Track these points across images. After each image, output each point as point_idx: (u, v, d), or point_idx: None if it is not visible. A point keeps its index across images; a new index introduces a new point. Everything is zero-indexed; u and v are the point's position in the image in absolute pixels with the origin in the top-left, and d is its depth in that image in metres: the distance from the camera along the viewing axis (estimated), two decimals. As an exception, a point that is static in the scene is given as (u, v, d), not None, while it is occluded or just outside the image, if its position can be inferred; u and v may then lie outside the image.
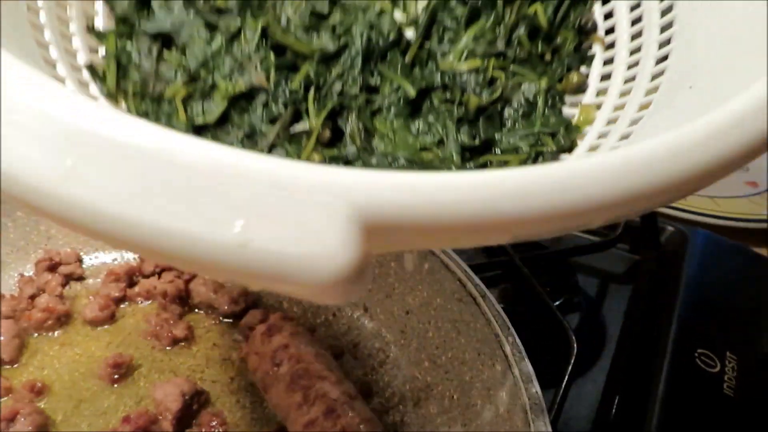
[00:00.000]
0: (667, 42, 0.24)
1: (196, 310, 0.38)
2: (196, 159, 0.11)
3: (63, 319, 0.36)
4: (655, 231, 0.52)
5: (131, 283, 0.38)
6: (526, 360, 0.27)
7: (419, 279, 0.34)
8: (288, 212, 0.11)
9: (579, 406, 0.39)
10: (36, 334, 0.36)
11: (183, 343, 0.35)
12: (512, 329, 0.28)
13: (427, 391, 0.32)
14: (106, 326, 0.36)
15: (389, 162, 0.23)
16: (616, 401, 0.39)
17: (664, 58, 0.23)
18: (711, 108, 0.16)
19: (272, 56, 0.24)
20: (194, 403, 0.31)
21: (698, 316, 0.44)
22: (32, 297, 0.37)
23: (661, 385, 0.39)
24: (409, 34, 0.26)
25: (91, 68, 0.23)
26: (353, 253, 0.11)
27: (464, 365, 0.30)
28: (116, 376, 0.33)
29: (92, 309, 0.36)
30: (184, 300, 0.37)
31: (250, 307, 0.37)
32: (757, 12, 0.19)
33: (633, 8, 0.26)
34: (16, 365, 0.34)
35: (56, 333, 0.36)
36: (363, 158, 0.23)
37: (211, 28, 0.25)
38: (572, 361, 0.36)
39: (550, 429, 0.25)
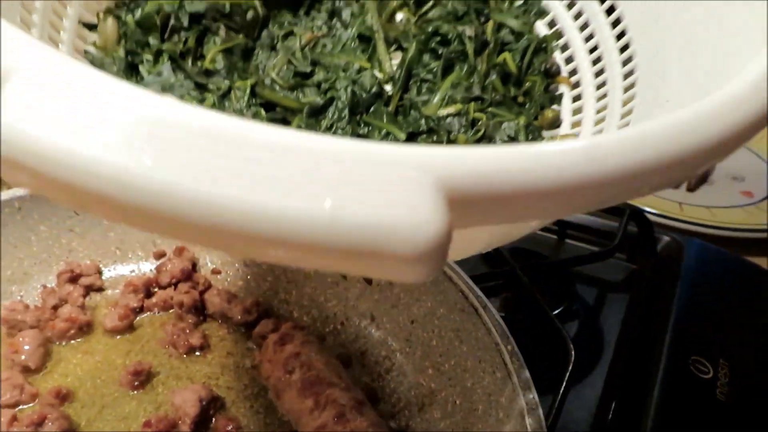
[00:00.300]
0: (631, 72, 0.25)
1: (211, 320, 0.39)
2: (288, 141, 0.11)
3: (84, 329, 0.38)
4: (652, 241, 0.53)
5: (149, 294, 0.40)
6: (524, 368, 0.29)
7: (424, 290, 0.36)
8: (377, 185, 0.11)
9: (578, 410, 0.41)
10: (59, 343, 0.37)
11: (199, 352, 0.37)
12: (511, 338, 0.30)
13: (431, 396, 0.33)
14: (125, 335, 0.38)
15: None
16: (613, 406, 0.40)
17: (632, 85, 0.25)
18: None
19: (263, 112, 0.26)
20: (210, 409, 0.33)
21: (692, 323, 0.46)
22: (55, 307, 0.39)
23: (656, 390, 0.41)
24: (389, 88, 0.28)
25: None
26: (441, 222, 0.11)
27: (466, 372, 0.32)
28: (136, 383, 0.35)
29: (112, 318, 0.38)
30: (199, 310, 0.39)
31: (262, 316, 0.39)
32: (710, 28, 0.21)
33: (592, 50, 0.28)
34: (41, 373, 0.36)
35: (78, 342, 0.38)
36: None
37: (202, 88, 0.26)
38: (570, 367, 0.38)
39: (543, 424, 0.26)
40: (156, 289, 0.41)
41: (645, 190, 0.13)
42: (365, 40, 0.29)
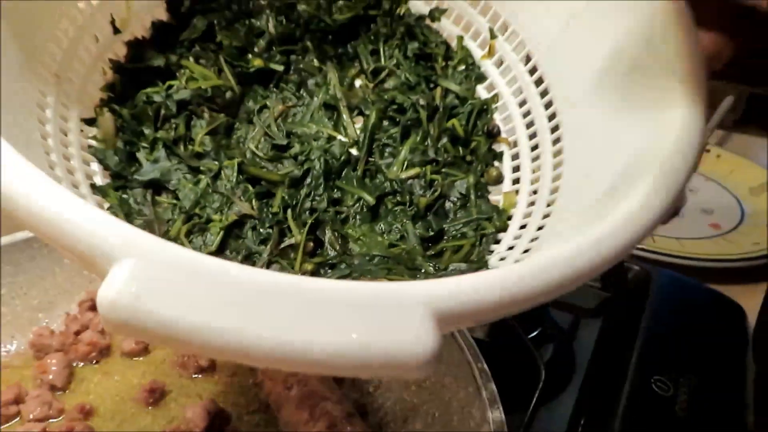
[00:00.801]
0: (559, 139, 0.30)
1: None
2: (319, 290, 0.15)
3: (104, 352, 0.42)
4: (623, 270, 0.58)
5: (161, 320, 0.45)
6: (491, 382, 0.33)
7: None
8: (386, 319, 0.15)
9: (551, 425, 0.45)
10: (82, 365, 0.42)
11: (206, 372, 0.41)
12: (481, 357, 0.34)
13: (413, 410, 0.37)
14: (140, 358, 0.42)
15: (368, 260, 0.28)
16: (583, 422, 0.44)
17: (560, 151, 0.29)
18: (598, 201, 0.22)
19: (251, 187, 0.29)
20: (218, 422, 0.37)
21: (656, 346, 0.50)
22: (77, 333, 0.43)
23: (621, 407, 0.45)
24: (355, 151, 0.32)
25: None
26: (435, 340, 0.15)
27: (444, 388, 0.36)
28: (151, 400, 0.39)
29: (129, 343, 0.43)
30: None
31: (263, 340, 0.43)
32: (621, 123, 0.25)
33: (525, 115, 0.32)
34: (66, 391, 0.40)
35: (99, 363, 0.42)
36: (345, 260, 0.28)
37: (195, 171, 0.30)
38: (540, 385, 0.42)
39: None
40: (168, 316, 0.45)
41: (557, 295, 0.18)
42: (330, 108, 0.33)
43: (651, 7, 0.24)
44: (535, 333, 0.50)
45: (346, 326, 0.15)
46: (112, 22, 0.31)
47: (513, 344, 0.46)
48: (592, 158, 0.27)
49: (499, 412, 0.31)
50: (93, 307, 0.45)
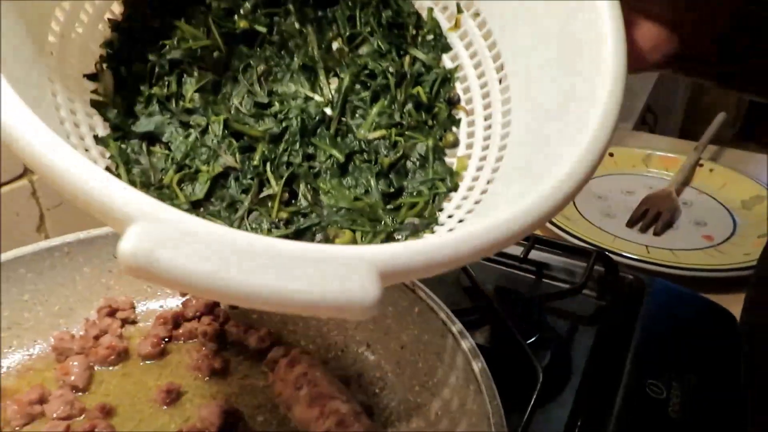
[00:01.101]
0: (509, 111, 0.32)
1: (230, 347, 0.46)
2: (296, 250, 0.19)
3: (122, 355, 0.44)
4: (617, 280, 0.60)
5: (176, 326, 0.47)
6: (491, 381, 0.35)
7: (411, 320, 0.42)
8: (341, 272, 0.18)
9: (549, 426, 0.47)
10: (101, 367, 0.44)
11: (220, 374, 0.43)
12: (481, 357, 0.37)
13: (417, 409, 0.39)
14: (157, 361, 0.44)
15: (335, 211, 0.31)
16: (579, 423, 0.46)
17: (508, 123, 0.32)
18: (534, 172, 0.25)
19: (234, 142, 0.32)
20: (232, 421, 0.39)
21: (650, 351, 0.52)
22: (96, 337, 0.45)
23: (616, 409, 0.47)
24: (329, 110, 0.34)
25: (108, 170, 0.30)
26: (377, 291, 0.18)
27: (446, 387, 0.38)
28: (168, 401, 0.41)
29: (145, 346, 0.45)
30: (220, 339, 0.45)
31: (274, 344, 0.45)
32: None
33: (482, 86, 0.34)
34: (87, 392, 0.42)
35: (117, 366, 0.44)
36: (315, 211, 0.31)
37: (185, 125, 0.32)
38: (538, 387, 0.44)
39: (505, 428, 0.33)
40: (182, 322, 0.47)
41: (482, 256, 0.21)
42: (308, 69, 0.35)
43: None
44: (532, 339, 0.52)
45: (311, 276, 0.18)
46: None
47: (511, 349, 0.48)
48: (530, 133, 0.30)
49: (498, 409, 0.33)
50: (111, 313, 0.47)
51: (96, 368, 0.44)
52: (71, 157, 0.20)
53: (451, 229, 0.30)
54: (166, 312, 0.47)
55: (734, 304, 0.58)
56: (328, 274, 0.18)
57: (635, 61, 0.28)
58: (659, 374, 0.50)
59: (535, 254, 0.62)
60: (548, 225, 0.71)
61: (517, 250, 0.62)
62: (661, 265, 0.65)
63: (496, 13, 0.34)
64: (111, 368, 0.44)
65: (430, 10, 0.37)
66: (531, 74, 0.31)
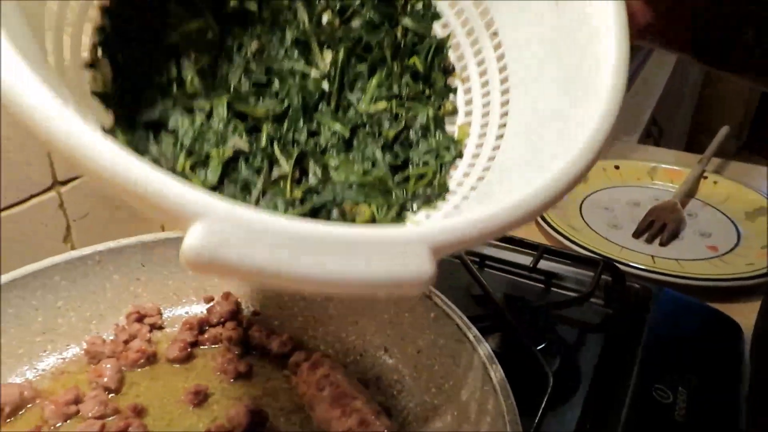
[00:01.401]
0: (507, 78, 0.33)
1: (254, 352, 0.48)
2: (355, 235, 0.20)
3: (151, 359, 0.46)
4: (624, 288, 0.62)
5: (202, 331, 0.49)
6: (506, 381, 0.37)
7: (427, 325, 0.44)
8: (398, 252, 0.20)
9: (559, 429, 0.48)
10: (131, 370, 0.46)
11: (244, 377, 0.45)
12: (495, 359, 0.38)
13: (434, 411, 0.41)
14: (184, 364, 0.47)
15: (347, 186, 0.31)
16: (588, 426, 0.48)
17: (507, 90, 0.32)
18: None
19: (240, 124, 0.31)
20: (257, 420, 0.41)
21: (657, 358, 0.54)
22: (126, 341, 0.47)
23: (624, 412, 0.48)
24: (327, 85, 0.34)
25: None
26: (432, 268, 0.20)
27: (462, 389, 0.40)
28: (196, 402, 0.43)
29: (173, 350, 0.47)
30: (244, 343, 0.48)
31: (295, 349, 0.47)
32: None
33: (476, 54, 0.35)
34: (119, 394, 0.44)
35: (146, 369, 0.46)
36: (327, 187, 0.31)
37: (189, 111, 0.31)
38: (548, 390, 0.46)
39: (520, 428, 0.34)
40: (207, 327, 0.49)
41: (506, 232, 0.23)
42: (301, 43, 0.35)
43: None
44: (541, 345, 0.54)
45: (372, 259, 0.19)
46: None
47: (521, 355, 0.50)
48: (533, 97, 0.30)
49: (513, 408, 0.35)
50: (139, 319, 0.49)
51: (126, 371, 0.46)
52: (126, 159, 0.20)
53: (465, 197, 0.31)
54: (192, 318, 0.49)
55: (738, 312, 0.60)
56: (388, 256, 0.19)
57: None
58: (666, 379, 0.51)
59: (543, 264, 0.64)
60: (556, 235, 0.73)
61: (526, 260, 0.64)
62: (666, 274, 0.67)
63: None
64: (140, 371, 0.46)
65: None
66: (527, 40, 0.32)
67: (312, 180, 0.31)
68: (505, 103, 0.33)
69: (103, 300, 0.50)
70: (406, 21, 0.36)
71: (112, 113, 0.31)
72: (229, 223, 0.19)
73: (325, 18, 0.36)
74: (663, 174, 0.90)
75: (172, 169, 0.30)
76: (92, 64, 0.31)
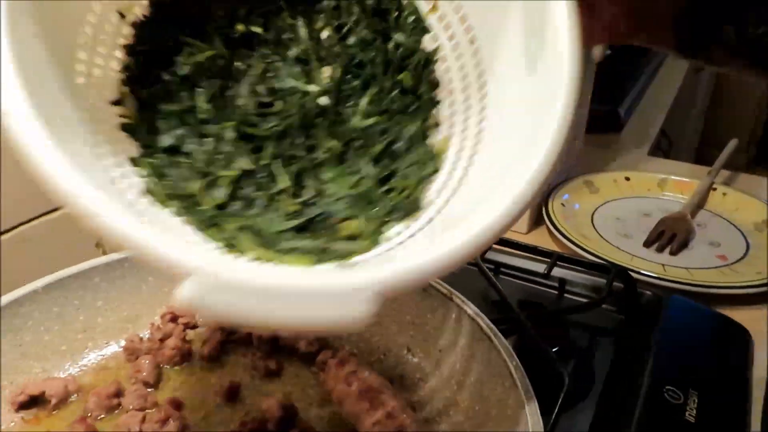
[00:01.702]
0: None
1: (282, 351, 0.50)
2: (312, 285, 0.24)
3: (186, 356, 0.49)
4: (636, 295, 0.64)
5: (233, 331, 0.51)
6: (525, 377, 0.39)
7: (448, 326, 0.47)
8: (343, 297, 0.23)
9: (574, 429, 0.50)
10: (167, 366, 0.48)
11: (274, 374, 0.48)
12: (515, 356, 0.41)
13: (456, 406, 0.43)
14: (217, 361, 0.49)
15: (337, 200, 0.34)
16: (601, 427, 0.50)
17: (485, 107, 0.34)
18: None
19: (246, 144, 0.34)
20: (288, 413, 0.43)
21: (668, 361, 0.56)
22: (162, 340, 0.50)
23: (636, 413, 0.50)
24: (325, 99, 0.37)
25: (150, 192, 0.32)
26: (375, 310, 0.23)
27: (483, 385, 0.42)
28: (229, 396, 0.45)
29: (206, 348, 0.49)
30: (273, 343, 0.50)
31: (321, 348, 0.50)
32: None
33: (461, 69, 0.36)
34: (156, 389, 0.47)
35: (181, 366, 0.49)
36: (320, 200, 0.34)
37: (202, 135, 0.34)
38: (564, 389, 0.48)
39: (542, 423, 0.37)
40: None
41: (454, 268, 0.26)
42: (302, 61, 0.38)
43: None
44: (555, 349, 0.56)
45: (325, 306, 0.23)
46: (118, 11, 0.34)
47: (537, 358, 0.52)
48: (507, 113, 0.32)
49: (533, 400, 0.37)
50: (173, 319, 0.52)
51: (164, 368, 0.48)
52: (134, 226, 0.23)
53: (437, 212, 0.33)
54: (224, 318, 0.52)
55: (747, 319, 0.61)
56: (337, 303, 0.24)
57: (590, 37, 0.30)
58: (676, 381, 0.53)
59: (557, 271, 0.66)
60: (569, 244, 0.75)
61: (540, 267, 0.67)
62: (677, 282, 0.68)
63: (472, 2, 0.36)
64: (176, 368, 0.49)
65: None
66: (504, 61, 0.34)
67: (307, 194, 0.34)
68: (481, 121, 0.34)
69: (139, 300, 0.52)
70: (398, 36, 0.39)
71: (139, 143, 0.34)
72: (212, 282, 0.23)
73: (324, 35, 0.39)
74: (673, 185, 0.92)
75: (190, 193, 0.33)
76: (119, 102, 0.34)
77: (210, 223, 0.31)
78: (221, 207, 0.33)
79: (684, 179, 0.92)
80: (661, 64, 1.50)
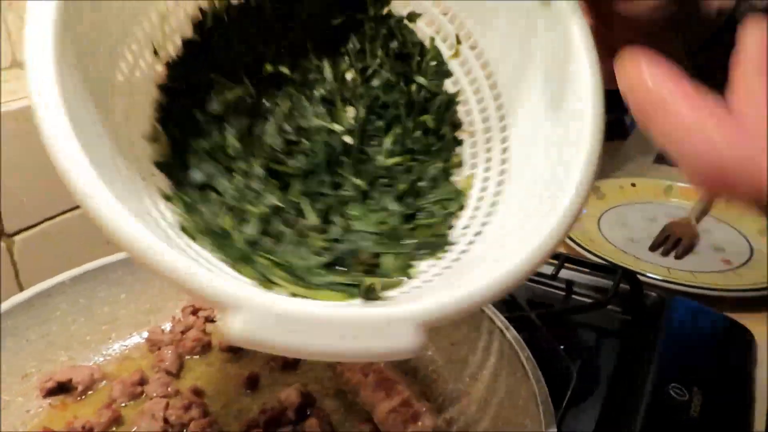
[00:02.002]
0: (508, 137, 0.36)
1: (299, 343, 0.52)
2: (359, 317, 0.24)
3: (206, 347, 0.51)
4: (641, 296, 0.66)
5: (251, 324, 0.53)
6: (537, 368, 0.41)
7: (460, 320, 0.48)
8: (391, 331, 0.24)
9: (581, 425, 0.52)
10: (189, 357, 0.50)
11: (291, 366, 0.49)
12: (526, 348, 0.42)
13: (468, 397, 0.45)
14: (236, 353, 0.51)
15: (364, 236, 0.34)
16: (608, 422, 0.51)
17: (508, 148, 0.36)
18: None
19: (274, 181, 0.35)
20: (306, 401, 0.45)
21: (672, 360, 0.57)
22: (183, 332, 0.52)
23: (642, 409, 0.52)
24: (349, 139, 0.37)
25: (183, 228, 0.32)
26: (423, 339, 0.24)
27: (495, 376, 0.44)
28: (249, 386, 0.47)
29: (226, 341, 0.51)
30: (290, 336, 0.52)
31: (337, 341, 0.51)
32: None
33: (482, 111, 0.38)
34: (178, 378, 0.48)
35: (202, 357, 0.50)
36: (347, 237, 0.34)
37: (231, 171, 0.35)
38: (572, 384, 0.49)
39: (553, 411, 0.38)
40: (256, 321, 0.53)
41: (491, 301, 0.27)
42: (327, 101, 0.39)
43: (563, 29, 0.31)
44: (562, 347, 0.58)
45: (372, 337, 0.24)
46: (152, 49, 0.35)
47: (545, 355, 0.54)
48: (530, 154, 0.34)
49: (544, 389, 0.39)
50: (194, 312, 0.53)
51: (185, 358, 0.50)
52: (183, 262, 0.24)
53: (463, 251, 0.34)
54: (242, 312, 0.53)
55: (750, 322, 0.63)
56: (383, 334, 0.24)
57: (610, 81, 0.31)
58: (681, 379, 0.55)
59: (564, 272, 0.68)
60: (576, 247, 0.77)
61: (548, 269, 0.68)
62: (681, 284, 0.70)
63: (493, 46, 0.37)
64: (196, 358, 0.50)
65: (432, 39, 0.40)
66: (526, 103, 0.35)
67: (335, 231, 0.35)
68: (505, 160, 0.36)
69: (161, 294, 0.54)
70: (421, 78, 0.40)
71: (171, 180, 0.34)
72: (264, 314, 0.23)
73: (349, 76, 0.40)
74: (678, 192, 0.93)
75: (221, 228, 0.33)
76: (154, 139, 0.35)
77: (242, 258, 0.31)
78: (251, 243, 0.32)
79: (689, 186, 0.93)
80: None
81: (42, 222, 0.60)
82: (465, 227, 0.35)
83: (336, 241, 0.34)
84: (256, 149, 0.36)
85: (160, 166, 0.34)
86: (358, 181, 0.36)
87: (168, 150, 0.34)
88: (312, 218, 0.34)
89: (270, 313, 0.23)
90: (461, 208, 0.36)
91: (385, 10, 0.41)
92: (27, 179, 0.55)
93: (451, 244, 0.34)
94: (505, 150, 0.36)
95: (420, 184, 0.37)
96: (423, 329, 0.24)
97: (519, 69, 0.35)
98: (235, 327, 0.22)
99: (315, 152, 0.36)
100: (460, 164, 0.38)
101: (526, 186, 0.33)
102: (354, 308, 0.25)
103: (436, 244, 0.34)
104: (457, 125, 0.39)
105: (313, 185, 0.36)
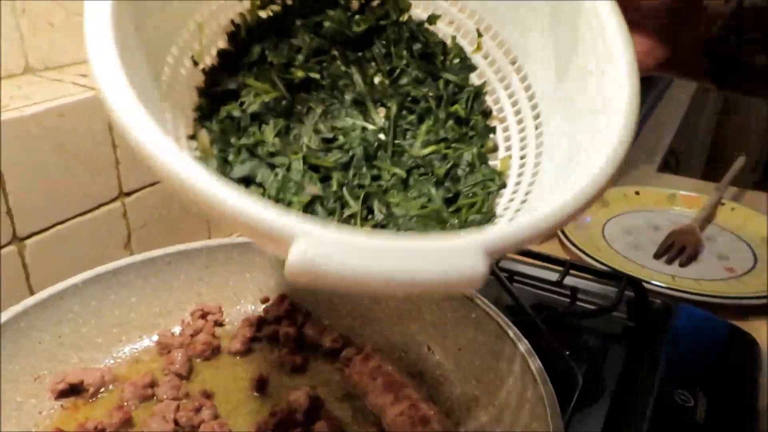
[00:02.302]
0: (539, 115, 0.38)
1: (307, 347, 0.52)
2: (419, 244, 0.24)
3: (215, 351, 0.51)
4: (646, 303, 0.66)
5: (260, 328, 0.54)
6: (544, 371, 0.41)
7: (468, 324, 0.49)
8: (458, 255, 0.24)
9: (587, 430, 0.52)
10: (198, 360, 0.51)
11: (300, 369, 0.50)
12: (533, 352, 0.43)
13: (476, 401, 0.45)
14: (245, 356, 0.51)
15: (408, 219, 0.35)
16: (614, 427, 0.52)
17: (539, 125, 0.37)
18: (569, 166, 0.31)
19: (314, 174, 0.37)
20: (315, 404, 0.45)
21: (678, 366, 0.58)
22: (192, 335, 0.52)
23: (647, 415, 0.52)
24: (383, 136, 0.39)
25: None
26: (487, 268, 0.24)
27: (502, 380, 0.44)
28: (257, 388, 0.48)
29: (235, 344, 0.51)
30: (299, 340, 0.52)
31: (345, 345, 0.52)
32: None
33: (510, 96, 0.40)
34: (188, 380, 0.49)
35: (211, 360, 0.51)
36: (391, 221, 0.36)
37: (272, 166, 0.37)
38: (578, 389, 0.50)
39: (559, 413, 0.39)
40: (265, 325, 0.54)
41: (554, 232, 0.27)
42: (358, 103, 0.41)
43: (592, 7, 0.32)
44: (568, 353, 0.58)
45: (438, 261, 0.23)
46: (192, 58, 0.38)
47: (551, 360, 0.54)
48: (562, 130, 0.35)
49: (552, 394, 0.39)
50: (203, 316, 0.54)
51: (195, 361, 0.50)
52: (235, 193, 0.24)
53: (511, 219, 0.34)
54: (252, 316, 0.54)
55: (754, 329, 0.63)
56: (449, 259, 0.24)
57: None
58: (686, 385, 0.55)
59: (569, 279, 0.68)
60: (581, 254, 0.77)
61: (552, 276, 0.69)
62: (685, 292, 0.70)
63: (513, 34, 0.39)
64: (206, 362, 0.51)
65: (453, 37, 0.42)
66: (554, 79, 0.36)
67: (378, 216, 0.36)
68: (539, 135, 0.37)
69: (171, 297, 0.55)
70: (447, 75, 0.42)
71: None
72: (322, 242, 0.23)
73: (377, 79, 0.42)
74: (682, 200, 0.94)
75: None
76: (193, 136, 0.37)
77: None
78: None
79: (692, 194, 0.94)
80: (669, 84, 1.53)
81: (53, 226, 0.61)
82: (509, 200, 0.36)
83: (380, 226, 0.35)
84: (294, 147, 0.37)
85: (200, 161, 0.35)
86: (397, 170, 0.38)
87: (209, 147, 0.36)
88: (354, 206, 0.36)
89: (331, 241, 0.22)
90: (503, 186, 0.37)
91: (405, 17, 0.43)
92: (39, 183, 0.56)
93: (498, 216, 0.35)
94: (538, 126, 0.37)
95: (457, 169, 0.38)
96: (489, 256, 0.24)
97: (544, 55, 0.36)
98: (296, 258, 0.22)
99: (352, 147, 0.38)
100: (495, 148, 0.40)
101: (568, 148, 0.33)
102: (418, 237, 0.24)
103: (483, 219, 0.35)
104: (487, 113, 0.41)
105: (351, 177, 0.37)
